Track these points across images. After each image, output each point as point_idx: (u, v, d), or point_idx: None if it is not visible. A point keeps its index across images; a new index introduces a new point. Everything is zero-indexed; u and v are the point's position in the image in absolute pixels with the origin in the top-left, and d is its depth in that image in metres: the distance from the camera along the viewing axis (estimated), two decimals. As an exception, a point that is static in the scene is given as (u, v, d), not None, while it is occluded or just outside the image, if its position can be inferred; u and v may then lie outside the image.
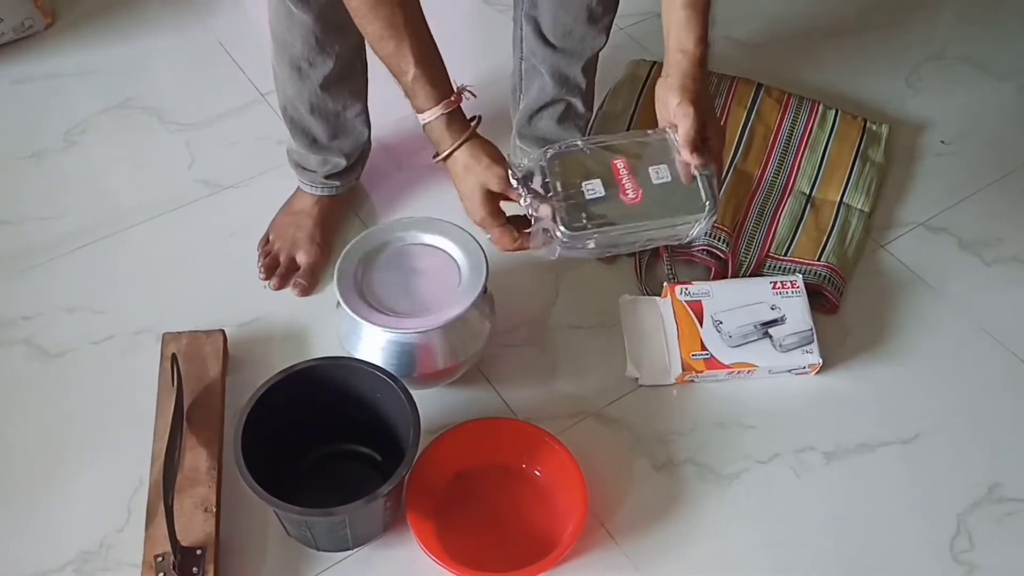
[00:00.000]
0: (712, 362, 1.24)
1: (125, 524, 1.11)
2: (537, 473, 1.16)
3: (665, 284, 1.30)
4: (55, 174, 1.45)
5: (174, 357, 1.17)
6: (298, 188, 1.39)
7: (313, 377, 1.08)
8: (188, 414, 1.14)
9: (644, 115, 1.49)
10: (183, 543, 1.04)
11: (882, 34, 1.74)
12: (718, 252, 1.35)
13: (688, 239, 1.01)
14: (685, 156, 0.97)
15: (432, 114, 0.98)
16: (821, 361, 1.25)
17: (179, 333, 1.22)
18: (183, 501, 1.08)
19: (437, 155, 1.01)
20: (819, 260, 1.36)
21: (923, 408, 1.26)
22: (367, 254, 1.16)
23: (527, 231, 1.01)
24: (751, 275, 1.35)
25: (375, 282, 1.14)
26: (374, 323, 1.10)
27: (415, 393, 1.06)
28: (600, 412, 1.23)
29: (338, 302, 1.12)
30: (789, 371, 1.26)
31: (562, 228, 0.96)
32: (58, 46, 1.62)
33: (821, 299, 1.33)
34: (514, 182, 0.97)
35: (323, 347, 1.25)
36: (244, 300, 1.31)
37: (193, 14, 1.69)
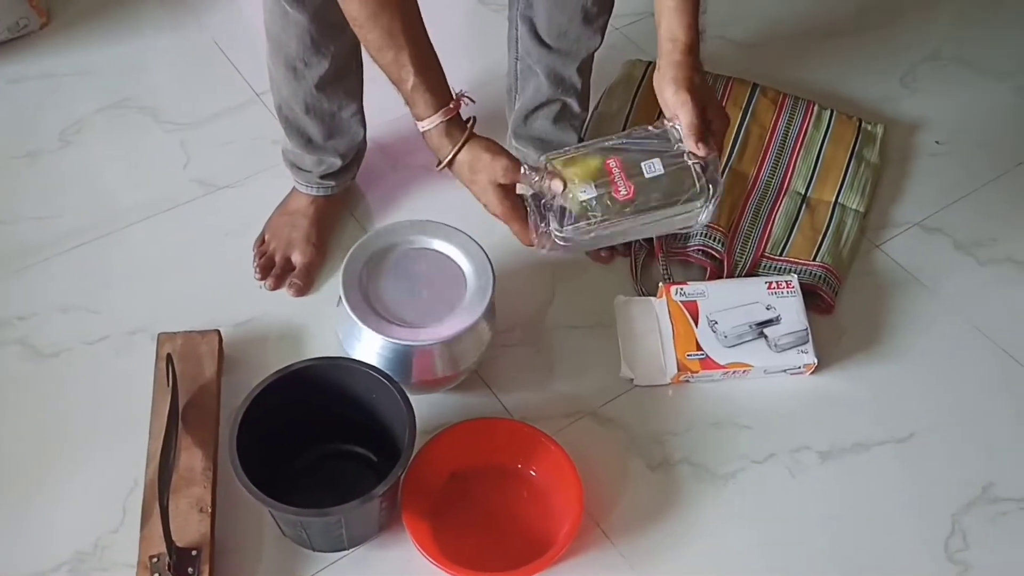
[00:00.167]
0: (707, 362, 1.24)
1: (120, 524, 1.10)
2: (533, 473, 1.16)
3: (660, 284, 1.30)
4: (50, 174, 1.45)
5: (169, 357, 1.16)
6: (293, 188, 1.38)
7: (309, 377, 1.08)
8: (183, 414, 1.14)
9: (640, 115, 1.49)
10: (178, 543, 1.04)
11: (877, 35, 1.75)
12: (713, 252, 1.35)
13: (692, 226, 1.03)
14: (691, 147, 0.98)
15: (431, 122, 0.98)
16: (816, 361, 1.25)
17: (174, 333, 1.22)
18: (178, 501, 1.08)
19: (439, 163, 1.01)
20: (814, 260, 1.36)
21: (918, 408, 1.26)
22: (374, 255, 1.16)
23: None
24: (746, 275, 1.35)
25: (380, 285, 1.14)
26: (374, 329, 1.10)
27: (411, 395, 1.06)
28: (596, 412, 1.24)
29: (339, 299, 1.12)
30: (784, 371, 1.26)
31: (556, 229, 0.99)
32: (53, 45, 1.62)
33: (816, 299, 1.33)
34: (524, 168, 0.99)
35: (319, 347, 1.25)
36: (239, 300, 1.31)
37: (189, 14, 1.69)
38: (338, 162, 1.33)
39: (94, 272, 1.33)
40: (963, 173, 1.53)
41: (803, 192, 1.45)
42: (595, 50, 1.33)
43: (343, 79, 1.27)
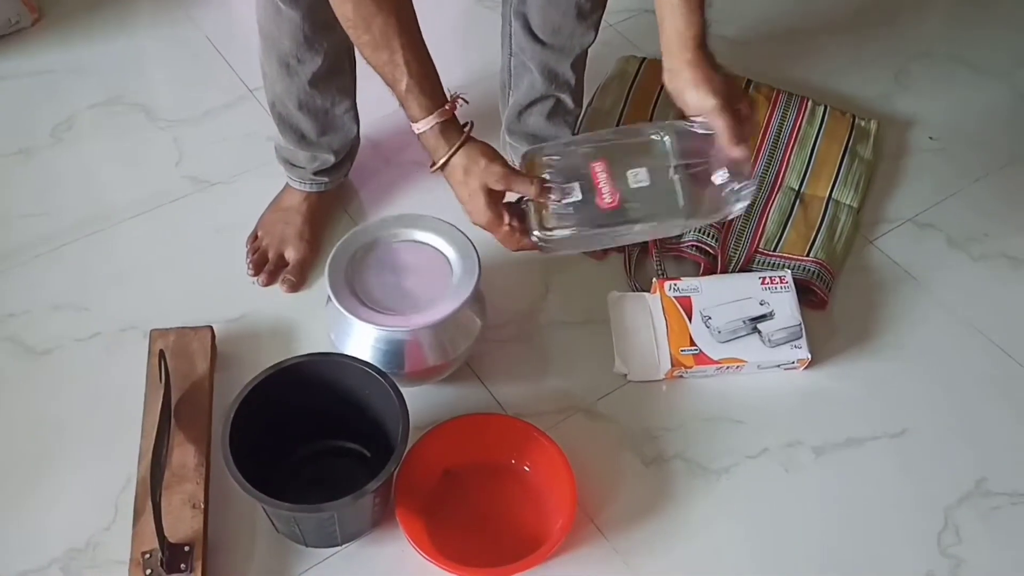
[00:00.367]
0: (701, 358, 1.24)
1: (112, 521, 1.10)
2: (526, 469, 1.16)
3: (654, 280, 1.30)
4: (42, 171, 1.45)
5: (162, 353, 1.16)
6: (287, 184, 1.38)
7: (301, 373, 1.08)
8: (176, 411, 1.14)
9: (633, 111, 1.48)
10: (171, 540, 1.03)
11: (872, 32, 1.75)
12: (707, 248, 1.35)
13: (675, 234, 1.02)
14: (730, 152, 0.96)
15: (427, 123, 0.98)
16: (810, 356, 1.25)
17: (167, 329, 1.22)
18: (171, 498, 1.07)
19: (433, 164, 1.01)
20: (808, 256, 1.36)
21: (911, 403, 1.26)
22: (359, 250, 1.16)
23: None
24: (740, 271, 1.35)
25: (366, 278, 1.14)
26: (364, 320, 1.10)
27: (404, 390, 1.06)
28: (589, 408, 1.23)
29: (328, 297, 1.12)
30: (778, 366, 1.26)
31: (536, 231, 1.00)
32: (45, 42, 1.62)
33: (810, 294, 1.33)
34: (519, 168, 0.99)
35: (311, 343, 1.24)
36: (232, 296, 1.31)
37: (181, 10, 1.68)
38: (331, 158, 1.33)
39: (86, 269, 1.33)
40: (956, 169, 1.53)
41: (797, 188, 1.45)
42: (589, 46, 1.33)
43: (336, 75, 1.27)
